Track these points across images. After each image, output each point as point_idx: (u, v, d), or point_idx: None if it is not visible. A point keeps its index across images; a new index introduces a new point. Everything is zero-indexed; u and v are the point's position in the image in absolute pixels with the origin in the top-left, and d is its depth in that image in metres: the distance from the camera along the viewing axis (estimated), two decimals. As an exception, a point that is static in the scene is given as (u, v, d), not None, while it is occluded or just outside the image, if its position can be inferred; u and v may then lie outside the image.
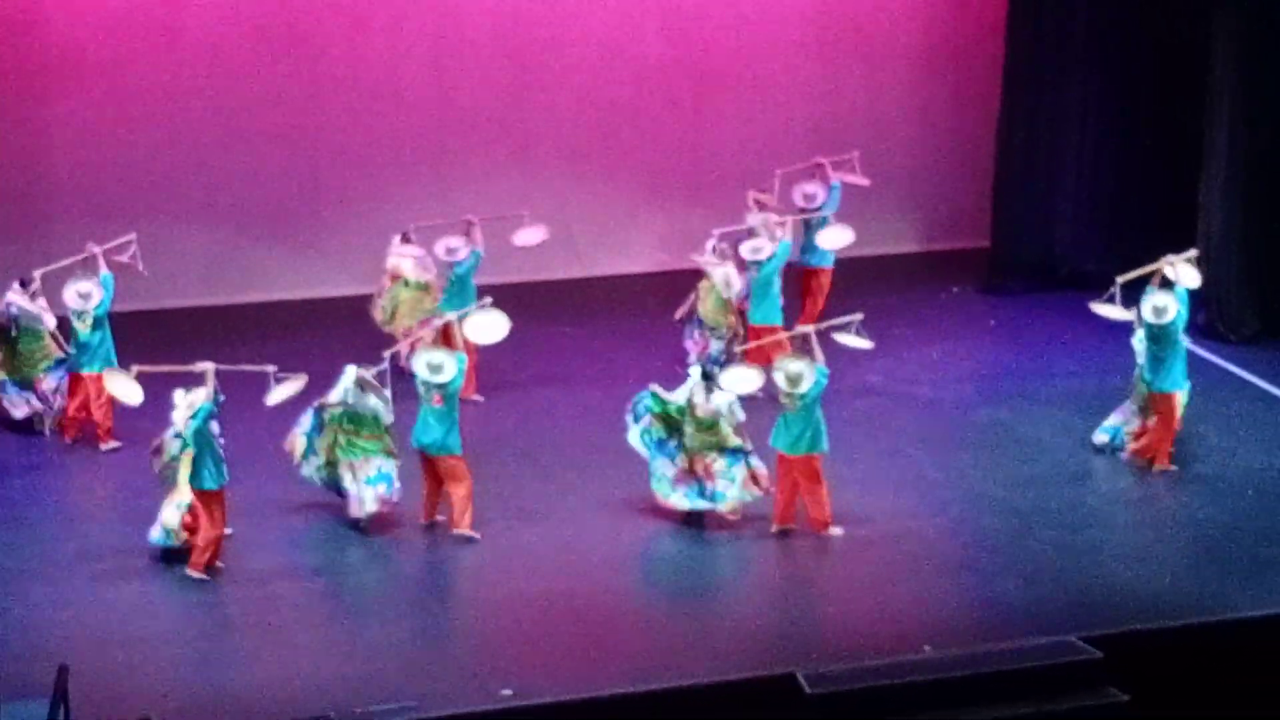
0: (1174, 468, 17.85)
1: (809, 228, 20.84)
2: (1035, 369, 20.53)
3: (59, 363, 18.60)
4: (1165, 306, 17.61)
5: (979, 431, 18.96)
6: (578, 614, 15.46)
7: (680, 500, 16.83)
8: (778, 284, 19.63)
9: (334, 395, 16.70)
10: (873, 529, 16.79)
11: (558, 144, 22.94)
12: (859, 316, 17.50)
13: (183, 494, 15.89)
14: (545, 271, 22.43)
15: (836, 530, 16.56)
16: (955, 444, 18.61)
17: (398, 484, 16.72)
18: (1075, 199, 22.93)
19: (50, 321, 18.54)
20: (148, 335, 19.62)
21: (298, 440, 16.82)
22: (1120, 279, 18.11)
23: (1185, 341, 17.92)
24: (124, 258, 18.84)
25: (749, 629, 15.29)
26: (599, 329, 21.60)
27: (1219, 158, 21.14)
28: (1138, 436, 18.00)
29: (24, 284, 18.63)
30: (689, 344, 19.65)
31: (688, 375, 17.16)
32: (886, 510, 17.12)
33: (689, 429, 16.77)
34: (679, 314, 19.84)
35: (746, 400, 16.95)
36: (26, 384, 18.64)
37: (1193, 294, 18.04)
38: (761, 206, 20.45)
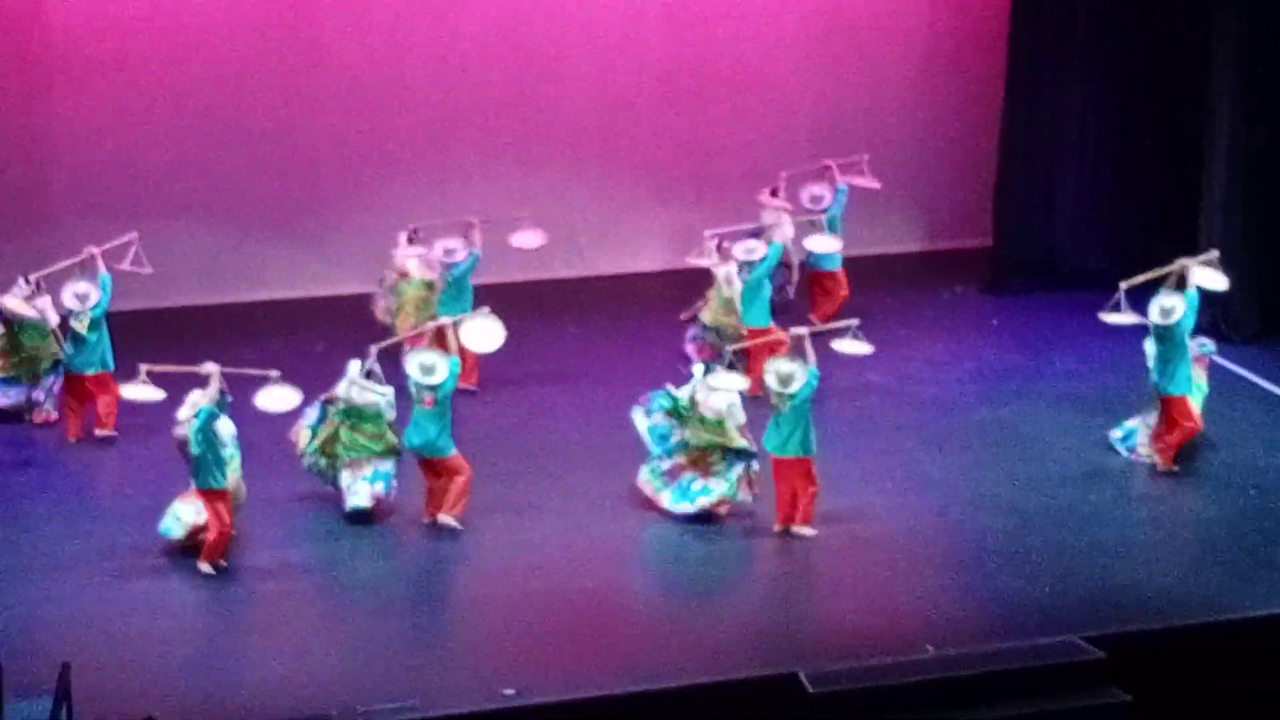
0: (1176, 468, 17.83)
1: (813, 229, 20.84)
2: (1037, 368, 20.51)
3: (58, 363, 18.60)
4: (1172, 307, 17.58)
5: (981, 431, 18.92)
6: (580, 613, 15.45)
7: (665, 498, 16.82)
8: (769, 287, 19.61)
9: (340, 389, 16.78)
10: (875, 528, 16.79)
11: (559, 143, 22.88)
12: (855, 322, 17.49)
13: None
14: (546, 270, 22.38)
15: (808, 530, 16.51)
16: (957, 443, 18.58)
17: (395, 484, 16.74)
18: (1076, 198, 22.91)
19: (54, 319, 18.53)
20: (148, 334, 19.60)
21: (302, 432, 16.89)
22: (1124, 284, 18.07)
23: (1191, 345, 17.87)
24: (126, 262, 18.86)
25: (751, 628, 15.29)
26: (600, 328, 21.55)
27: (1219, 158, 21.13)
28: (1156, 437, 17.95)
29: (27, 281, 18.61)
30: (690, 347, 19.64)
31: (690, 375, 17.17)
32: (888, 509, 17.11)
33: (693, 426, 16.77)
34: (684, 315, 19.83)
35: (747, 401, 16.96)
36: (28, 379, 18.65)
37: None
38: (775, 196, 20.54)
